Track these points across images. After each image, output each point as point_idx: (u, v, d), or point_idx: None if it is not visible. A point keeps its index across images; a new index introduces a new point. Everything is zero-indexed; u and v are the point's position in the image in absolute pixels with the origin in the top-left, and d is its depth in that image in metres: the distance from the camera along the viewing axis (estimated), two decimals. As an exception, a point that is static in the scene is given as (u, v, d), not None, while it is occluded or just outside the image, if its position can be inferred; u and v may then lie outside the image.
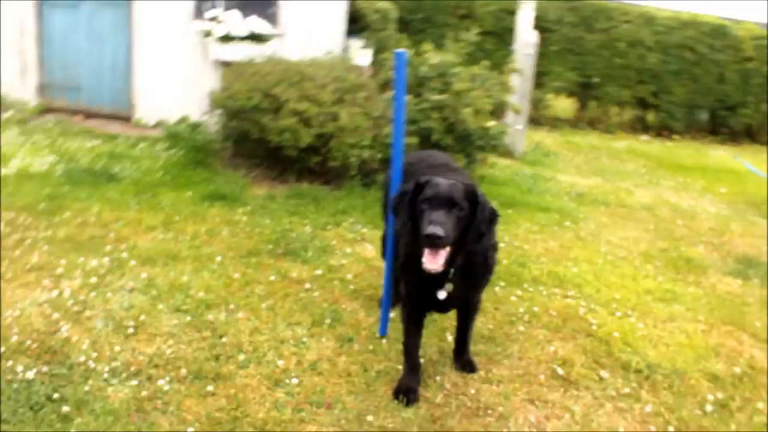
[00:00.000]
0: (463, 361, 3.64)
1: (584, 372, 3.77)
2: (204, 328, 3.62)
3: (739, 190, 9.47)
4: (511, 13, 12.31)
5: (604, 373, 3.79)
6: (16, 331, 3.37)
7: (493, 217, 3.11)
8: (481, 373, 3.61)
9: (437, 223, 2.87)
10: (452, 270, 3.13)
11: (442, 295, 3.20)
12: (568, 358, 3.88)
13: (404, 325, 3.42)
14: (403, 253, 3.30)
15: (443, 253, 2.94)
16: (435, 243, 2.88)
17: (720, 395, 3.76)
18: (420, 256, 2.96)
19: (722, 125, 14.36)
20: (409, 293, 3.35)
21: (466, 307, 3.54)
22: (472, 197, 3.02)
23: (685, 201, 8.37)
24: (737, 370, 4.07)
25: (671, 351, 4.17)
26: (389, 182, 3.68)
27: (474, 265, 3.25)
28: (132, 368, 3.20)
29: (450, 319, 4.12)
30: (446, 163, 3.96)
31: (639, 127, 14.07)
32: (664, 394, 3.68)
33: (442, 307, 3.39)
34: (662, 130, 13.94)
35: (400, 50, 3.36)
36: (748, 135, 14.68)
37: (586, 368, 3.82)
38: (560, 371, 3.73)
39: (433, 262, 2.93)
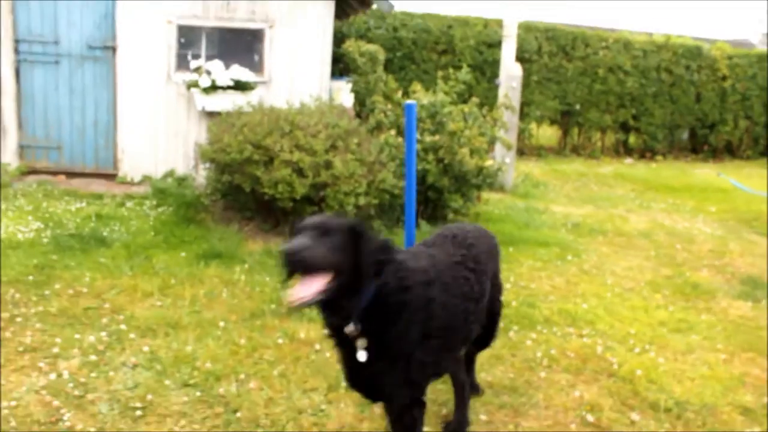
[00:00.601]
0: None
1: (614, 416, 3.63)
2: (216, 403, 3.42)
3: (728, 208, 9.49)
4: (490, 46, 12.45)
5: (634, 416, 3.66)
6: (13, 425, 3.14)
7: (385, 246, 2.52)
8: (510, 426, 3.45)
9: (294, 243, 2.31)
10: (352, 320, 2.47)
11: (361, 356, 2.53)
12: (596, 403, 3.74)
13: None
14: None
15: (317, 281, 2.28)
16: (292, 262, 2.28)
17: (756, 429, 3.65)
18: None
19: (703, 143, 14.52)
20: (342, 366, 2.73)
21: (388, 399, 2.75)
22: (355, 230, 2.42)
23: (680, 223, 8.35)
24: (766, 400, 3.95)
25: (697, 385, 4.06)
26: None
27: (388, 309, 2.53)
28: (144, 455, 2.99)
29: (484, 370, 3.98)
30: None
31: (622, 150, 14.19)
32: (699, 433, 3.55)
33: (365, 386, 2.72)
34: (645, 152, 14.05)
35: (410, 102, 3.26)
36: (729, 151, 14.87)
37: (615, 412, 3.68)
38: (590, 418, 3.59)
39: (301, 291, 2.28)
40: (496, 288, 3.37)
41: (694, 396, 3.92)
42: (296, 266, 2.28)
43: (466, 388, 3.43)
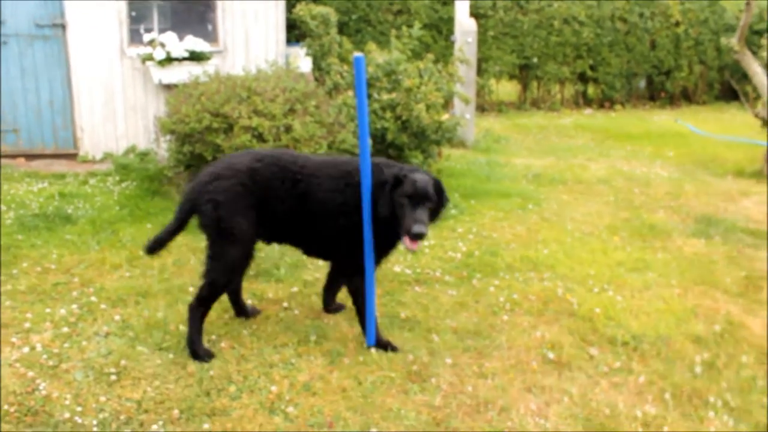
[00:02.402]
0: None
1: (574, 352, 3.81)
2: (189, 363, 3.51)
3: (685, 152, 9.73)
4: (445, 3, 12.45)
5: (593, 351, 3.84)
6: (-10, 396, 3.21)
7: (447, 204, 3.71)
8: (474, 368, 3.61)
9: (422, 223, 3.36)
10: None
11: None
12: (556, 341, 3.92)
13: (364, 290, 3.69)
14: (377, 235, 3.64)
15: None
16: (420, 239, 3.38)
17: (706, 355, 3.86)
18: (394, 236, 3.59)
19: (660, 90, 14.75)
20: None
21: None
22: (439, 190, 3.55)
23: (638, 169, 8.56)
24: (717, 328, 4.18)
25: (652, 319, 4.26)
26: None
27: None
28: (121, 417, 3.08)
29: (434, 318, 4.12)
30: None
31: (581, 101, 14.36)
32: (654, 363, 3.75)
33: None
34: (604, 102, 14.24)
35: (358, 54, 3.32)
36: (685, 97, 15.14)
37: (575, 348, 3.86)
38: (551, 355, 3.76)
39: (413, 246, 3.43)
40: None
41: (649, 329, 4.12)
42: (421, 239, 3.40)
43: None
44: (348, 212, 3.54)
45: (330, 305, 4.19)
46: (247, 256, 3.65)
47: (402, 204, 3.41)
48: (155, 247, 3.73)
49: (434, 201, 3.48)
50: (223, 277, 3.62)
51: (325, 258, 4.06)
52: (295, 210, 3.60)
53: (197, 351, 3.55)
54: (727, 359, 3.83)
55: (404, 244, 3.46)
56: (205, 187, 3.57)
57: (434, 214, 3.56)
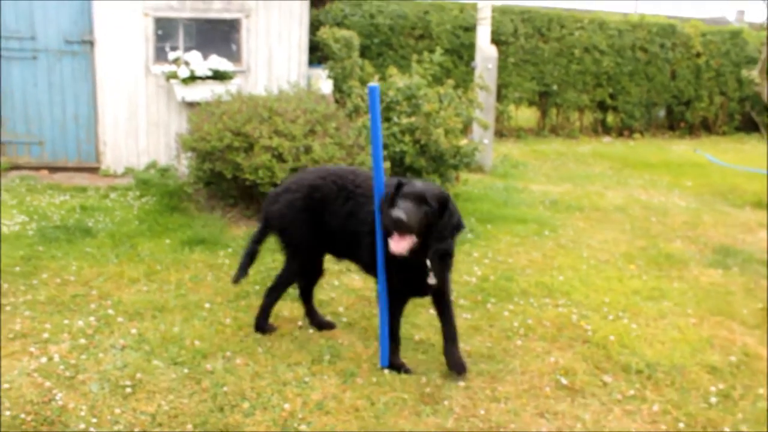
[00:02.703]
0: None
1: (587, 379, 3.79)
2: (203, 378, 3.54)
3: (704, 182, 9.68)
4: (467, 29, 12.54)
5: (607, 378, 3.82)
6: (8, 406, 3.24)
7: (458, 226, 3.50)
8: (487, 392, 3.60)
9: (402, 210, 3.26)
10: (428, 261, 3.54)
11: (431, 280, 3.57)
12: (570, 367, 3.90)
13: (397, 312, 3.75)
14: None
15: (408, 240, 3.32)
16: (398, 225, 3.26)
17: (721, 386, 3.82)
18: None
19: (680, 120, 14.72)
20: (401, 283, 3.69)
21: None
22: (444, 201, 3.42)
23: (655, 198, 8.53)
24: (733, 359, 4.14)
25: (667, 348, 4.23)
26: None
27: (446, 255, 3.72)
28: (136, 429, 3.11)
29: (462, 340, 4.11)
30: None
31: (600, 129, 14.35)
32: (668, 392, 3.72)
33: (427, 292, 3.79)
34: (623, 131, 14.22)
35: (373, 84, 3.37)
36: (705, 127, 15.08)
37: (588, 375, 3.84)
38: (564, 381, 3.75)
39: (397, 245, 3.33)
40: None
41: (664, 358, 4.09)
42: (401, 229, 3.27)
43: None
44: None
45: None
46: (308, 265, 4.07)
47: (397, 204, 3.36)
48: (242, 274, 4.10)
49: (431, 207, 3.35)
50: (289, 279, 4.10)
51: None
52: (344, 227, 3.75)
53: (262, 326, 4.08)
54: (743, 390, 3.80)
55: (390, 246, 3.38)
56: (275, 198, 3.96)
57: (435, 226, 3.39)
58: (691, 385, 3.82)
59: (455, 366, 3.73)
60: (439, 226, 3.41)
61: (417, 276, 3.57)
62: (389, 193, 3.44)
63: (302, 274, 4.13)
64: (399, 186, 3.43)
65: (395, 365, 3.75)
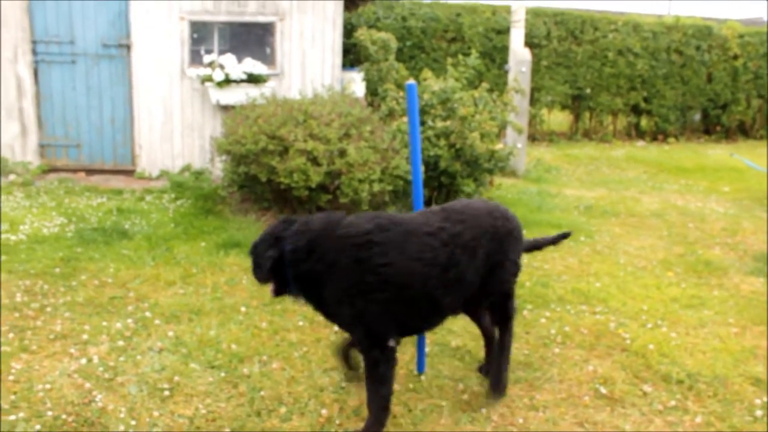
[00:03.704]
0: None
1: (627, 389, 3.73)
2: (240, 382, 3.55)
3: (741, 187, 9.50)
4: (499, 32, 12.48)
5: (647, 388, 3.75)
6: (49, 406, 3.29)
7: None
8: (525, 400, 3.55)
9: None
10: None
11: None
12: (609, 376, 3.84)
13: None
14: None
15: None
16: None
17: (766, 398, 3.71)
18: None
19: (716, 124, 14.47)
20: None
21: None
22: None
23: (692, 203, 8.39)
24: (778, 371, 4.03)
25: (709, 358, 4.14)
26: None
27: None
28: (174, 432, 3.13)
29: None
30: None
31: (634, 133, 14.17)
32: (711, 403, 3.63)
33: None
34: (657, 135, 14.02)
35: (411, 82, 3.35)
36: (742, 131, 14.81)
37: (628, 384, 3.77)
38: (603, 390, 3.68)
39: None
40: (504, 268, 3.44)
41: (705, 368, 4.00)
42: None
43: (494, 347, 3.64)
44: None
45: None
46: None
47: None
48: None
49: None
50: None
51: None
52: None
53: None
54: (788, 404, 3.70)
55: None
56: None
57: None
58: (735, 397, 3.72)
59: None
60: None
61: None
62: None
63: None
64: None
65: None
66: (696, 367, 4.00)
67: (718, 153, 12.71)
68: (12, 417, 3.18)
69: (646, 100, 13.73)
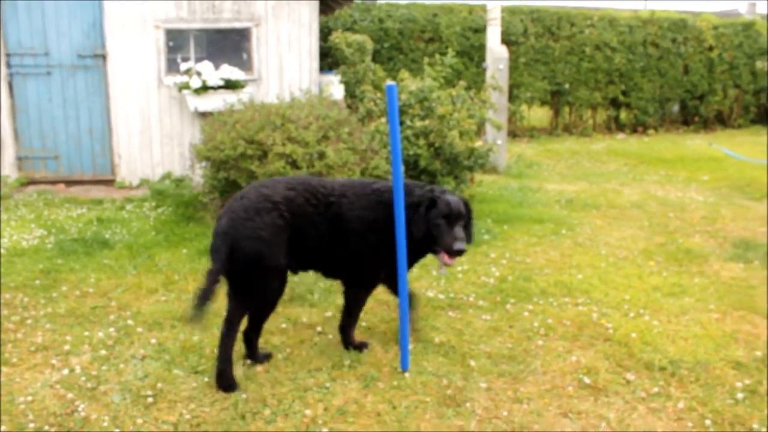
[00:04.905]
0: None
1: (610, 377, 3.75)
2: (224, 386, 3.54)
3: (721, 176, 9.60)
4: (476, 31, 12.54)
5: (630, 376, 3.77)
6: (31, 418, 3.26)
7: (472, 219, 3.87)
8: (509, 393, 3.57)
9: (462, 240, 3.57)
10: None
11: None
12: (592, 366, 3.86)
13: (365, 299, 4.00)
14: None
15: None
16: (461, 255, 3.57)
17: (747, 381, 3.76)
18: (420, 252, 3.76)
19: (694, 115, 14.62)
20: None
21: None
22: (468, 208, 3.77)
23: (672, 193, 8.46)
24: (758, 353, 4.09)
25: (690, 344, 4.18)
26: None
27: None
28: (158, 438, 3.11)
29: (468, 343, 4.10)
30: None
31: (614, 126, 14.29)
32: (693, 388, 3.66)
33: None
34: (637, 127, 14.15)
35: (391, 83, 3.37)
36: (720, 121, 14.98)
37: (611, 373, 3.80)
38: (587, 380, 3.71)
39: (451, 262, 3.63)
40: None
41: (687, 354, 4.04)
42: (459, 255, 3.60)
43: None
44: (378, 229, 3.64)
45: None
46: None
47: (438, 224, 3.58)
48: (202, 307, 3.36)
49: (466, 219, 3.70)
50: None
51: (342, 277, 3.93)
52: (326, 232, 3.63)
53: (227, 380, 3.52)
54: (769, 386, 3.74)
55: (442, 261, 3.62)
56: (244, 222, 3.45)
57: (468, 231, 3.75)
58: (717, 381, 3.76)
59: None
60: (470, 226, 3.80)
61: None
62: (420, 208, 3.61)
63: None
64: (432, 202, 3.62)
65: (354, 344, 3.98)
66: (678, 354, 4.03)
67: (697, 143, 12.83)
68: (-7, 430, 3.16)
69: (624, 93, 13.85)
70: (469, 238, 3.75)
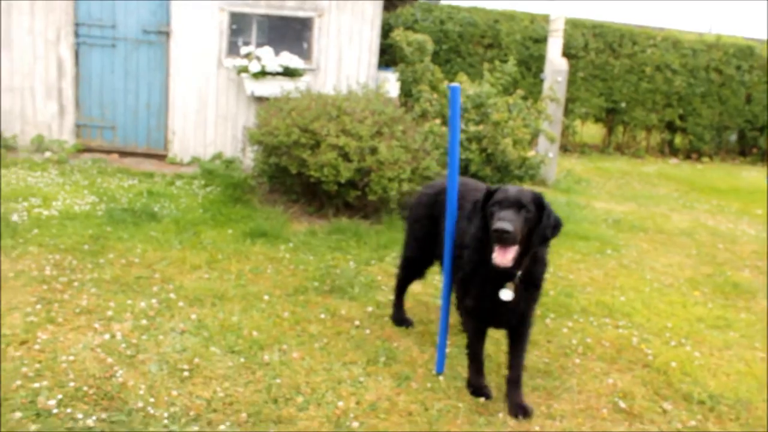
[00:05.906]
0: (515, 404, 3.45)
1: (646, 405, 3.68)
2: (259, 369, 3.57)
3: (776, 212, 9.33)
4: (536, 41, 12.41)
5: (667, 405, 3.69)
6: (72, 377, 3.33)
7: (557, 225, 3.30)
8: (543, 408, 3.52)
9: (506, 220, 3.08)
10: (519, 273, 3.28)
11: (507, 295, 3.30)
12: (628, 391, 3.79)
13: (470, 334, 3.61)
14: (469, 260, 3.44)
15: (512, 250, 3.12)
16: (503, 237, 3.06)
17: (790, 427, 3.65)
18: (488, 260, 3.18)
19: (752, 146, 14.24)
20: (474, 303, 3.48)
21: (521, 325, 3.54)
22: (539, 202, 3.23)
23: (723, 224, 8.26)
24: (803, 399, 3.95)
25: (732, 380, 4.06)
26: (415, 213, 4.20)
27: (533, 275, 3.40)
28: (191, 413, 3.15)
29: (505, 354, 4.05)
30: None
31: (667, 150, 14.01)
32: (732, 426, 3.57)
33: (501, 318, 3.48)
34: (691, 153, 13.84)
35: (454, 84, 3.35)
36: (779, 155, 14.55)
37: (647, 400, 3.72)
38: (622, 404, 3.64)
39: (503, 258, 3.12)
40: None
41: (728, 390, 3.93)
42: (506, 241, 3.08)
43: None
44: None
45: None
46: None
47: (492, 213, 3.17)
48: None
49: (530, 210, 3.16)
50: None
51: None
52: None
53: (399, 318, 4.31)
54: (812, 432, 3.62)
55: (493, 261, 3.13)
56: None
57: (536, 228, 3.20)
58: (758, 422, 3.65)
59: (518, 410, 3.43)
60: (540, 228, 3.21)
61: (492, 291, 3.33)
62: (478, 202, 3.31)
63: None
64: (489, 193, 3.28)
65: (476, 387, 3.58)
66: (719, 389, 3.93)
67: (753, 175, 12.51)
68: (36, 384, 3.23)
69: (681, 117, 13.56)
70: (541, 238, 3.23)
